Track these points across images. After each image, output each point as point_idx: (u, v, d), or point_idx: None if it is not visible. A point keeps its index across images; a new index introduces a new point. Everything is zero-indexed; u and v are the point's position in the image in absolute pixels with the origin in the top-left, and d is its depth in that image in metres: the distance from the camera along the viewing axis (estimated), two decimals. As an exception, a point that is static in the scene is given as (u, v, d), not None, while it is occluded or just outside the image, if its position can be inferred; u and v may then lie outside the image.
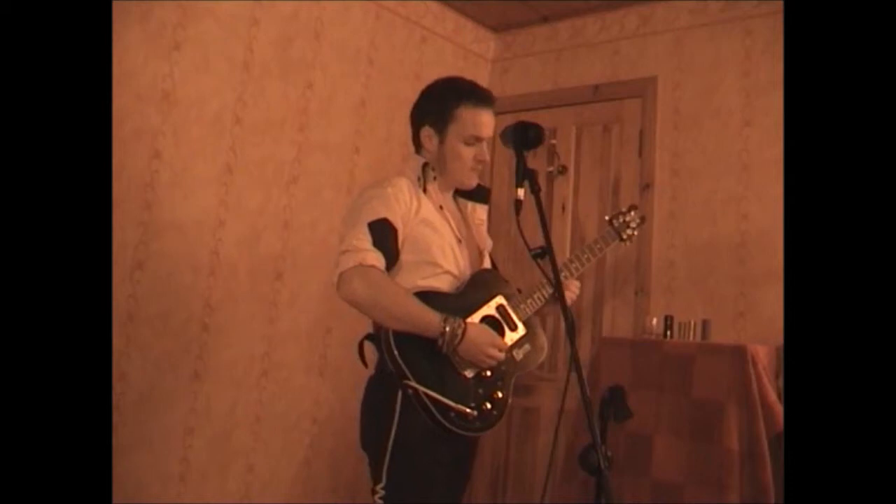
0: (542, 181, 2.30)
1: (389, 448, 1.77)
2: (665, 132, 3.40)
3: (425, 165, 1.95)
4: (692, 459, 2.59)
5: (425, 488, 1.78)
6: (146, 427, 2.61)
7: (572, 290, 2.06)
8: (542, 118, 2.22)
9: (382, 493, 1.77)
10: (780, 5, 3.07)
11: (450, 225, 1.94)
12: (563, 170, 3.65)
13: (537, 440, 3.44)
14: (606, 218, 2.21)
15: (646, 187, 3.39)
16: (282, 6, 3.04)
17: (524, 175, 1.74)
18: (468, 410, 1.77)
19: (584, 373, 1.55)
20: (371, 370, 1.89)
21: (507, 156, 3.68)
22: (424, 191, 1.93)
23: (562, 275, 1.96)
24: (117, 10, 2.23)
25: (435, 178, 1.97)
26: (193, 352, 2.76)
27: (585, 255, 2.07)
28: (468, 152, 1.94)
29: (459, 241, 1.95)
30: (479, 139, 1.95)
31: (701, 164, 3.28)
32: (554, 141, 3.68)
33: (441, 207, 1.96)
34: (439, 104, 1.97)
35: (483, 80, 3.92)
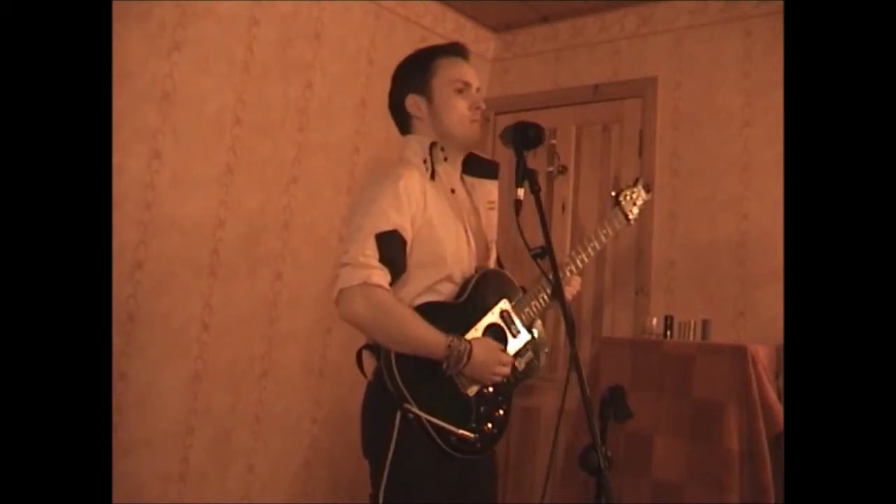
0: (542, 181, 2.27)
1: (387, 470, 1.68)
2: (665, 132, 3.40)
3: (433, 145, 1.83)
4: (692, 459, 2.59)
5: None
6: (146, 427, 2.61)
7: (574, 286, 1.96)
8: (542, 118, 2.19)
9: None
10: (780, 5, 3.07)
11: (459, 213, 1.83)
12: (563, 170, 3.65)
13: (537, 440, 3.44)
14: (612, 194, 2.05)
15: (646, 187, 3.38)
16: (282, 6, 3.04)
17: (524, 175, 1.69)
18: (470, 434, 1.70)
19: (584, 373, 1.55)
20: (370, 377, 1.79)
21: (507, 156, 3.67)
22: (433, 176, 1.81)
23: (567, 269, 1.89)
24: (117, 10, 2.23)
25: (446, 159, 1.84)
26: (193, 352, 2.76)
27: (592, 245, 1.93)
28: (461, 101, 1.83)
29: (468, 233, 1.83)
30: (466, 84, 1.84)
31: (701, 164, 3.28)
32: (554, 141, 3.68)
33: (453, 191, 1.86)
34: (415, 68, 1.88)
35: (483, 80, 3.92)
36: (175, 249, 2.69)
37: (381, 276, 1.67)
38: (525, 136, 1.74)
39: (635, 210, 2.05)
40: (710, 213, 3.22)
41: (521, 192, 1.69)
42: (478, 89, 1.89)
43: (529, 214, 1.68)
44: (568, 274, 1.91)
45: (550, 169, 3.68)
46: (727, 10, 3.32)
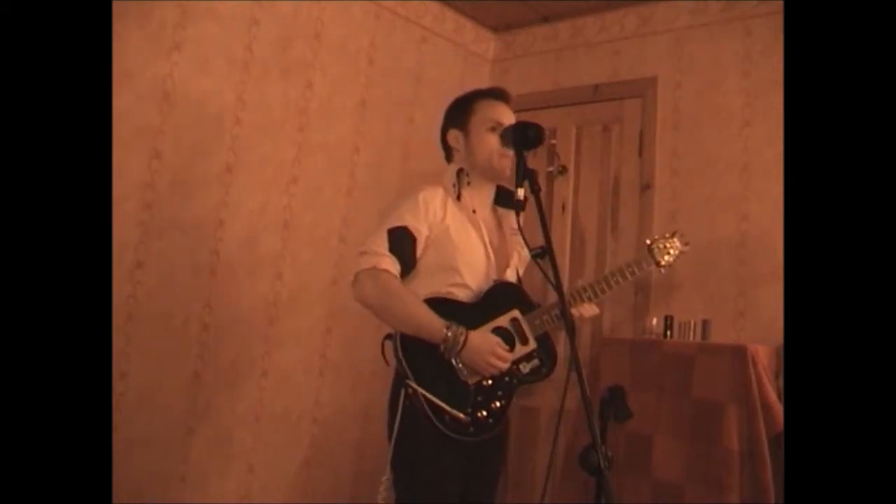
0: (542, 181, 2.30)
1: (392, 444, 1.84)
2: (665, 132, 3.40)
3: (460, 171, 2.01)
4: (692, 459, 2.59)
5: (428, 488, 1.82)
6: (146, 427, 2.61)
7: (586, 311, 2.07)
8: (542, 118, 2.22)
9: (386, 483, 1.84)
10: (780, 5, 3.07)
11: (480, 231, 1.99)
12: (563, 170, 3.65)
13: (537, 440, 3.44)
14: (647, 242, 2.17)
15: (646, 187, 3.39)
16: (282, 6, 3.04)
17: (524, 175, 1.74)
18: (462, 416, 1.82)
19: (584, 373, 1.55)
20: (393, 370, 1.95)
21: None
22: (459, 197, 1.99)
23: (585, 295, 2.02)
24: (117, 10, 2.23)
25: (469, 183, 2.02)
26: (193, 352, 2.76)
27: (615, 279, 2.04)
28: (493, 138, 1.99)
29: (487, 247, 1.98)
30: (500, 124, 2.00)
31: (701, 164, 3.28)
32: (554, 141, 3.67)
33: (474, 211, 2.01)
34: (459, 107, 2.08)
35: (483, 80, 3.92)
36: (175, 249, 2.69)
37: (390, 264, 1.86)
38: (525, 136, 1.79)
39: (668, 258, 2.14)
40: (710, 213, 3.22)
41: (521, 192, 1.73)
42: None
43: (529, 214, 1.69)
44: (586, 300, 2.03)
45: (550, 169, 3.68)
46: (727, 10, 3.31)
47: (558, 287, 1.64)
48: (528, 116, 1.95)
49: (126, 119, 2.54)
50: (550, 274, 1.65)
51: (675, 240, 2.17)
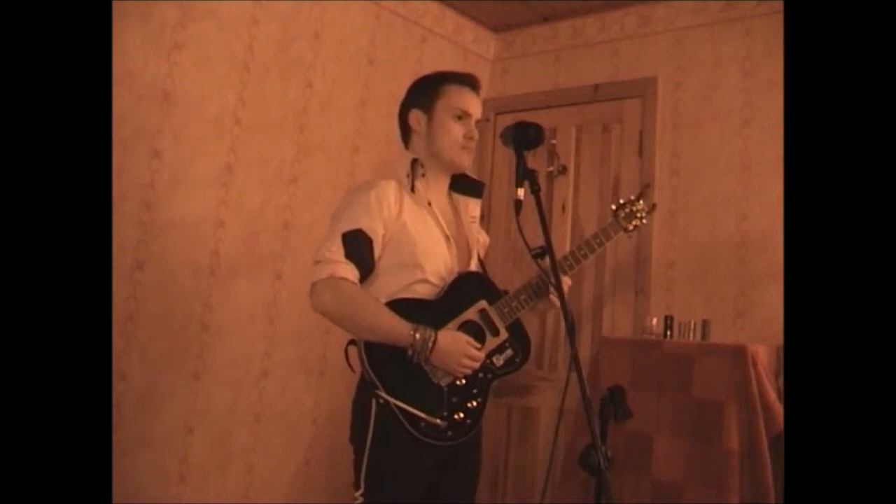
0: (542, 181, 2.29)
1: (366, 456, 1.76)
2: (665, 132, 3.40)
3: (414, 161, 1.91)
4: (692, 459, 2.59)
5: (404, 498, 1.76)
6: (146, 427, 2.61)
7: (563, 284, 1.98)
8: (542, 118, 2.22)
9: (361, 500, 1.76)
10: (780, 5, 3.07)
11: (438, 222, 1.90)
12: (563, 170, 3.65)
13: (537, 440, 3.44)
14: (612, 207, 2.08)
15: (646, 187, 3.38)
16: (282, 6, 3.04)
17: (524, 175, 1.73)
18: (438, 421, 1.75)
19: (584, 373, 1.55)
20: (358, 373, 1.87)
21: (507, 156, 3.68)
22: (413, 189, 1.89)
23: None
24: (117, 10, 2.23)
25: (424, 175, 1.92)
26: (193, 352, 2.76)
27: (582, 252, 1.97)
28: (457, 128, 1.90)
29: (448, 238, 1.91)
30: (466, 113, 1.91)
31: (701, 164, 3.28)
32: (554, 141, 3.67)
33: (430, 203, 1.92)
34: (425, 87, 1.96)
35: (483, 80, 3.91)
36: (175, 249, 2.69)
37: (347, 270, 1.76)
38: (525, 136, 1.77)
39: (635, 222, 2.07)
40: (710, 213, 3.22)
41: (521, 192, 1.73)
42: (477, 120, 1.95)
43: (529, 214, 1.69)
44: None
45: (550, 169, 3.68)
46: (727, 10, 3.32)
47: (559, 287, 1.65)
48: (528, 116, 1.91)
49: (126, 119, 2.54)
50: (550, 274, 1.65)
51: (642, 202, 2.09)
